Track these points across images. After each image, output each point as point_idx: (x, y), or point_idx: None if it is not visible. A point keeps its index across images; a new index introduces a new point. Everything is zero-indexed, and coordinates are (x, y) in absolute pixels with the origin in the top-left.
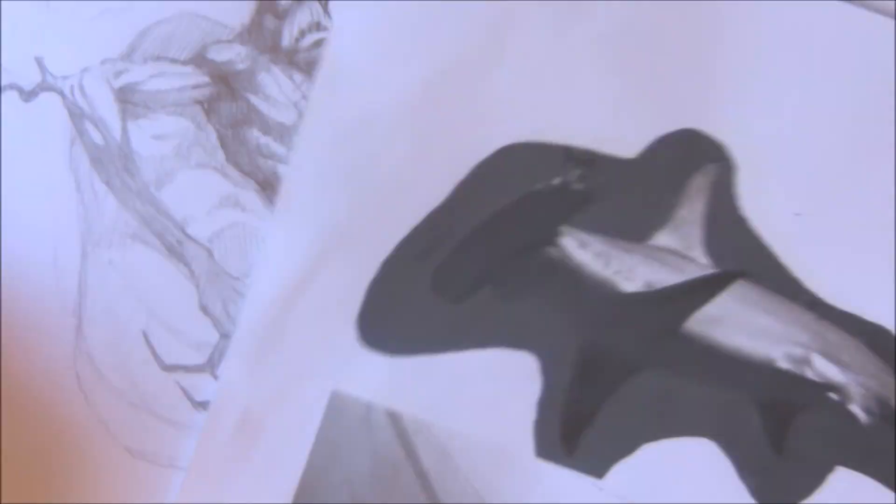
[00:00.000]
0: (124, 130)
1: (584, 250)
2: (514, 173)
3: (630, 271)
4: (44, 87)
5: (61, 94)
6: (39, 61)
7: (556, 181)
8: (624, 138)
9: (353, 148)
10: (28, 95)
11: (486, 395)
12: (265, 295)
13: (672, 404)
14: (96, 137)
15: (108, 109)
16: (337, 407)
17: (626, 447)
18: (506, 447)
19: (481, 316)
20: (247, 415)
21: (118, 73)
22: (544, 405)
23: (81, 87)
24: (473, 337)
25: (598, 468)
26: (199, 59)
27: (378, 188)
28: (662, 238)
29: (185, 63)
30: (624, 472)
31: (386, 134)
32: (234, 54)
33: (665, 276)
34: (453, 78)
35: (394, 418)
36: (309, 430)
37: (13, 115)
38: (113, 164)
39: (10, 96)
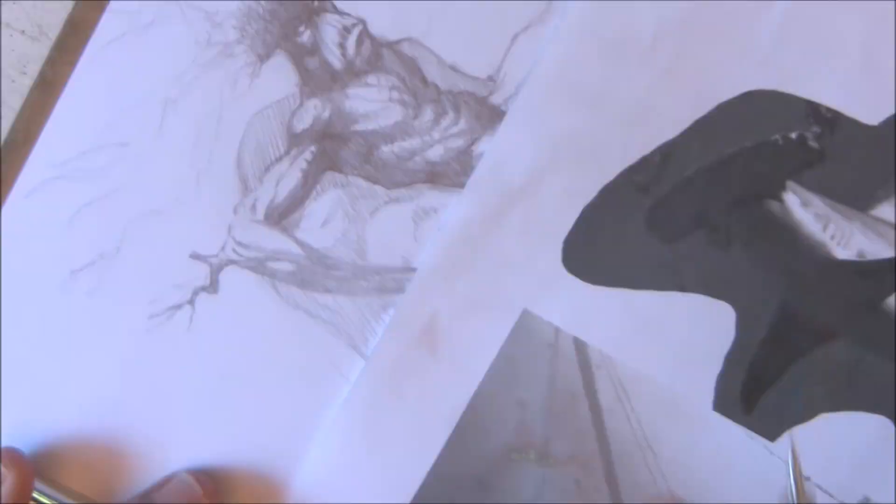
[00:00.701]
0: (299, 242)
1: (805, 209)
2: (753, 120)
3: (846, 238)
4: (216, 271)
5: (232, 263)
6: (197, 256)
7: (794, 135)
8: (869, 104)
9: (602, 65)
10: (211, 288)
11: (675, 340)
12: (477, 199)
13: (859, 377)
14: (285, 267)
15: (272, 240)
16: (525, 326)
17: (804, 413)
18: (684, 395)
19: (690, 259)
20: (434, 318)
21: (252, 207)
22: (732, 360)
23: (240, 243)
24: (677, 279)
25: (772, 431)
26: (294, 139)
27: (616, 111)
28: (884, 210)
29: (287, 152)
30: (797, 438)
31: (637, 57)
32: (313, 111)
33: (879, 249)
34: (716, 12)
35: (579, 347)
36: (493, 343)
37: (218, 311)
38: (315, 273)
39: (202, 300)
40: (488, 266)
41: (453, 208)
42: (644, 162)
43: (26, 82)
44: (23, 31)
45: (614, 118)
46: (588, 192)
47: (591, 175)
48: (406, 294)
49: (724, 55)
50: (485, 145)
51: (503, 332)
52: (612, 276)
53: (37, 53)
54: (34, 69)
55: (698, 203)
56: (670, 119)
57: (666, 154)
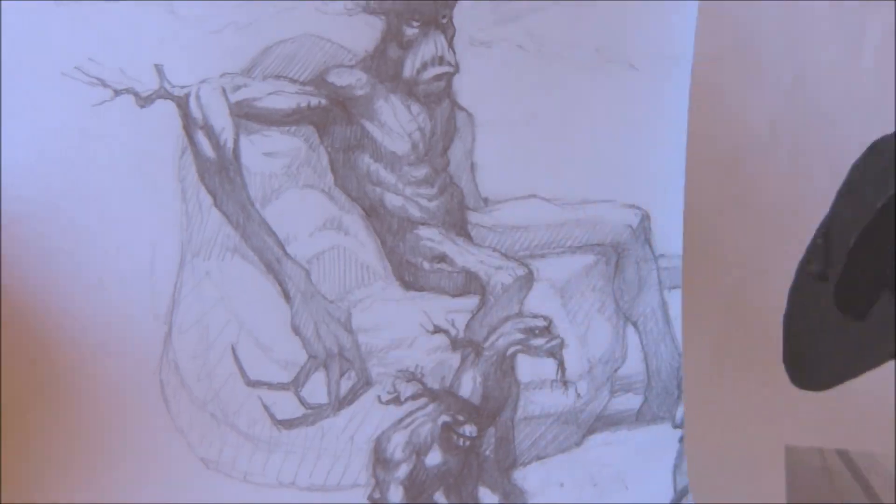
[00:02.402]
0: (236, 144)
1: None
2: (886, 166)
3: None
4: (160, 94)
5: (177, 103)
6: (159, 69)
7: None
8: None
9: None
10: (144, 101)
11: None
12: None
13: None
14: (207, 149)
15: (222, 122)
16: (794, 461)
17: None
18: None
19: (887, 322)
20: None
21: (237, 88)
22: None
23: (198, 98)
24: (886, 346)
25: None
26: (318, 81)
27: (759, 213)
28: None
29: (304, 83)
30: None
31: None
32: (353, 80)
33: None
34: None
35: (844, 457)
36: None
37: (127, 119)
38: (221, 176)
39: (125, 101)
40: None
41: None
42: (811, 251)
43: None
44: None
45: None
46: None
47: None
48: None
49: (829, 120)
50: (429, 233)
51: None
52: (835, 374)
53: None
54: None
55: (873, 265)
56: (813, 201)
57: (825, 233)
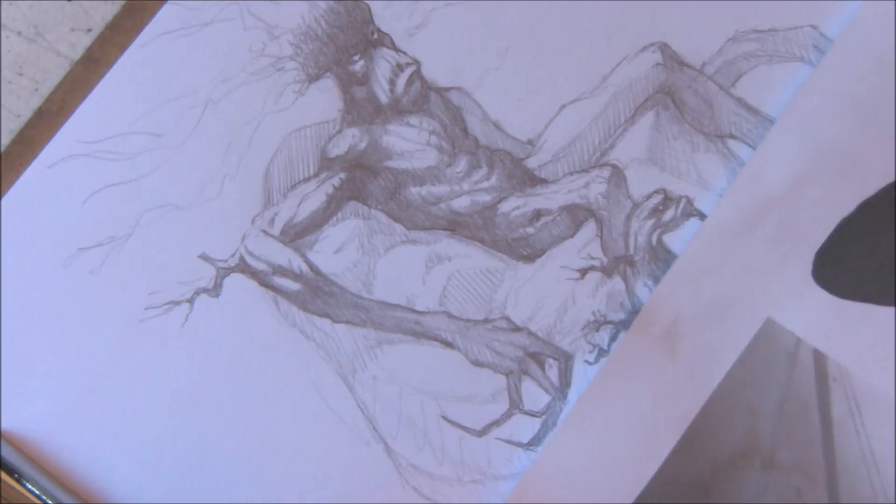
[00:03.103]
0: (309, 263)
1: None
2: None
3: None
4: (221, 275)
5: (240, 269)
6: (205, 257)
7: None
8: None
9: (875, 78)
10: (213, 291)
11: None
12: (736, 203)
13: None
14: (291, 285)
15: (284, 256)
16: (767, 334)
17: None
18: None
19: None
20: (677, 320)
21: (271, 221)
22: None
23: (251, 253)
24: None
25: None
26: (325, 163)
27: (884, 125)
28: None
29: (316, 174)
30: None
31: None
32: (350, 139)
33: None
34: None
35: (819, 358)
36: (733, 348)
37: (214, 315)
38: (320, 297)
39: (202, 301)
40: (736, 271)
41: (713, 210)
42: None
43: (23, 84)
44: (19, 33)
45: (882, 132)
46: (847, 205)
47: (852, 188)
48: (652, 295)
49: None
50: (511, 203)
51: (744, 338)
52: (861, 290)
53: (34, 55)
54: (31, 71)
55: None
56: None
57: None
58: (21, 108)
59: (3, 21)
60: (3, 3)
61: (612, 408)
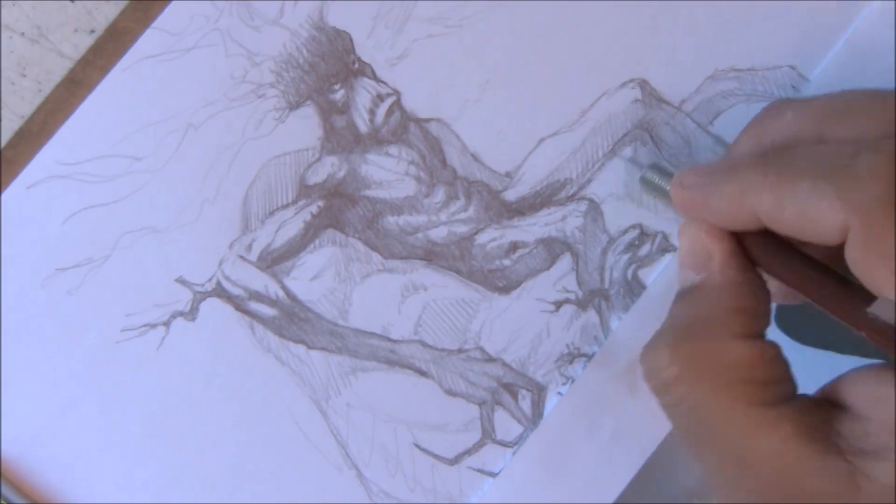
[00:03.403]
0: (286, 289)
1: None
2: None
3: None
4: (197, 300)
5: (216, 294)
6: (183, 281)
7: None
8: None
9: None
10: (190, 315)
11: None
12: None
13: None
14: (267, 311)
15: (261, 282)
16: None
17: None
18: None
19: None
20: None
21: (248, 246)
22: None
23: (228, 278)
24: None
25: None
26: (304, 190)
27: None
28: None
29: (295, 202)
30: None
31: None
32: (329, 168)
33: None
34: None
35: None
36: None
37: (190, 339)
38: (295, 323)
39: (178, 324)
40: None
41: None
42: None
43: (26, 84)
44: (22, 34)
45: None
46: None
47: None
48: (616, 328)
49: None
50: (487, 235)
51: None
52: (823, 339)
53: (37, 56)
54: (34, 72)
55: None
56: None
57: None
58: (24, 109)
59: (4, 22)
60: (4, 3)
61: (571, 437)
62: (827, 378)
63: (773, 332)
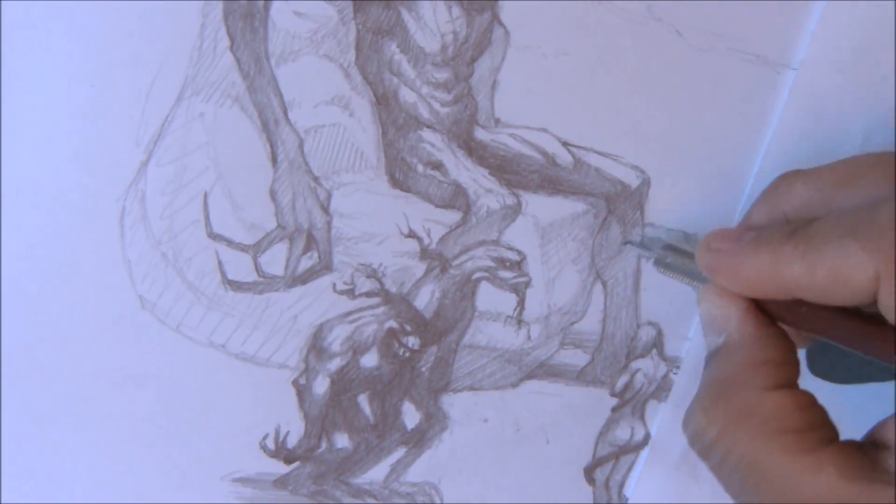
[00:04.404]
0: None
1: None
2: None
3: None
4: None
5: None
6: None
7: None
8: None
9: None
10: None
11: None
12: None
13: None
14: None
15: None
16: None
17: None
18: None
19: None
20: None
21: None
22: None
23: None
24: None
25: None
26: None
27: None
28: None
29: None
30: None
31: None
32: None
33: None
34: None
35: None
36: None
37: None
38: (245, 22)
39: None
40: None
41: None
42: None
43: None
44: None
45: None
46: None
47: None
48: (660, 424)
49: None
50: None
51: None
52: (857, 373)
53: None
54: None
55: None
56: None
57: None
58: None
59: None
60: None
61: None
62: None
63: (813, 383)
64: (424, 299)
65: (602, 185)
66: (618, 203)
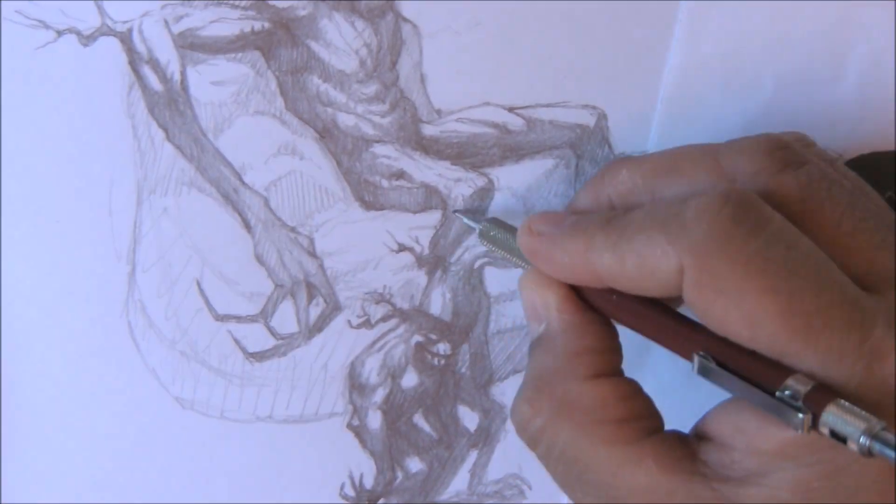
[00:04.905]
0: (183, 76)
1: None
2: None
3: None
4: (103, 31)
5: (120, 38)
6: (99, 6)
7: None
8: None
9: None
10: (86, 39)
11: None
12: None
13: None
14: (154, 83)
15: (167, 55)
16: None
17: None
18: None
19: None
20: None
21: (178, 18)
22: None
23: (141, 32)
24: None
25: None
26: (259, 5)
27: None
28: None
29: (245, 8)
30: None
31: None
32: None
33: None
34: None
35: None
36: None
37: (71, 59)
38: (171, 110)
39: (68, 40)
40: None
41: None
42: None
43: None
44: None
45: None
46: None
47: None
48: None
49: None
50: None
51: None
52: None
53: None
54: None
55: None
56: None
57: None
58: None
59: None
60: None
61: None
62: None
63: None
64: (438, 304)
65: (562, 135)
66: (583, 146)
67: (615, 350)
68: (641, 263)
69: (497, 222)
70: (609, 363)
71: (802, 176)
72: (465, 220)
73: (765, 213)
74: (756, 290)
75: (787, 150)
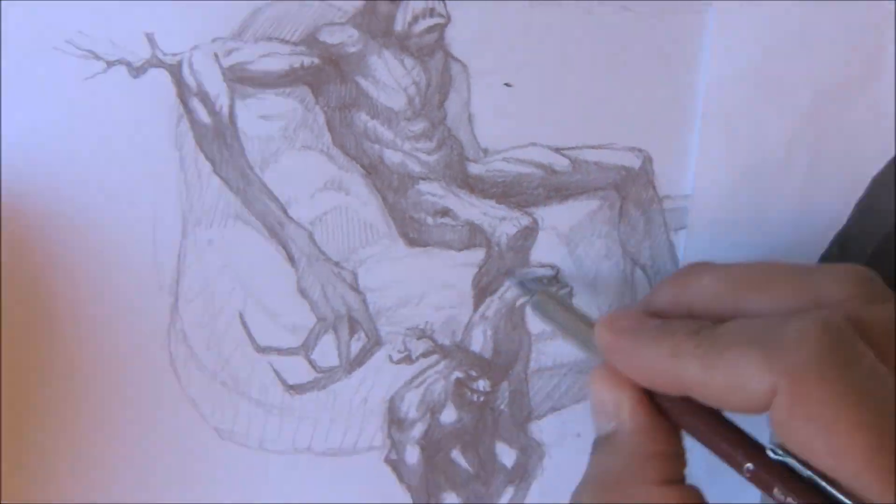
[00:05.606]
0: (232, 109)
1: None
2: None
3: None
4: (153, 63)
5: (170, 71)
6: (150, 37)
7: None
8: None
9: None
10: (137, 71)
11: None
12: None
13: None
14: (203, 116)
15: (216, 88)
16: None
17: None
18: None
19: None
20: None
21: (228, 52)
22: None
23: (191, 65)
24: None
25: None
26: (310, 41)
27: (774, 226)
28: None
29: (296, 44)
30: None
31: (778, 159)
32: (345, 37)
33: None
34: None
35: None
36: None
37: (121, 91)
38: (218, 143)
39: (118, 72)
40: None
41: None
42: (826, 259)
43: None
44: None
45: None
46: None
47: None
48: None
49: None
50: (430, 187)
51: None
52: None
53: None
54: None
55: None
56: (832, 209)
57: (842, 244)
58: None
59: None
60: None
61: None
62: None
63: None
64: (479, 341)
65: (607, 176)
66: (628, 188)
67: (681, 456)
68: (731, 378)
69: (551, 296)
70: (677, 469)
71: (890, 311)
72: (518, 289)
73: (860, 347)
74: (848, 422)
75: (875, 283)
